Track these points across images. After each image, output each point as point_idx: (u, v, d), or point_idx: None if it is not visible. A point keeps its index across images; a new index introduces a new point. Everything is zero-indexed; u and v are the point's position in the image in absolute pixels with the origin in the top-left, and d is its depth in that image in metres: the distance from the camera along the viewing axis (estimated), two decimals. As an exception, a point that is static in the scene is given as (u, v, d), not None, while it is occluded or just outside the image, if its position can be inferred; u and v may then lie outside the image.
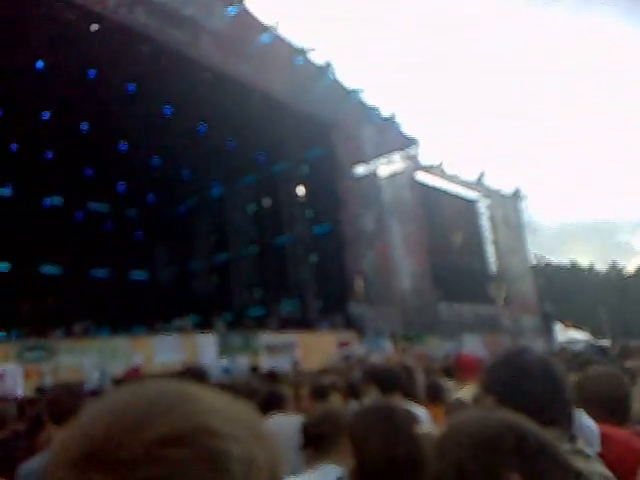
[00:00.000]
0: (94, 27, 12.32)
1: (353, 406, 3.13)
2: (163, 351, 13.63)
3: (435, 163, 24.47)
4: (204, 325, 17.31)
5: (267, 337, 15.92)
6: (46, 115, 15.28)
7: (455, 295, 21.70)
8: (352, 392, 3.68)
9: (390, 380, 2.83)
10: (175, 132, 17.67)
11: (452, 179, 25.52)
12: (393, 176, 22.15)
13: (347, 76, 21.51)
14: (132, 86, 15.23)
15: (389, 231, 21.22)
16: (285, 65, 17.11)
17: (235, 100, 16.39)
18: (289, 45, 17.30)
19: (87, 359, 12.32)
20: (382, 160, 21.71)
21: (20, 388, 10.40)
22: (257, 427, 0.46)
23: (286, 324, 17.73)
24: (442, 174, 24.94)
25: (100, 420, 0.42)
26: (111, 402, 0.45)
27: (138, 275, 22.54)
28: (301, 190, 21.11)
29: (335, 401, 3.40)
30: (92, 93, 14.69)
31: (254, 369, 10.09)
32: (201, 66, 15.06)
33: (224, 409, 0.45)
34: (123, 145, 18.11)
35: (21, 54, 12.62)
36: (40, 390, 8.11)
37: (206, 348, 14.13)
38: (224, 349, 14.56)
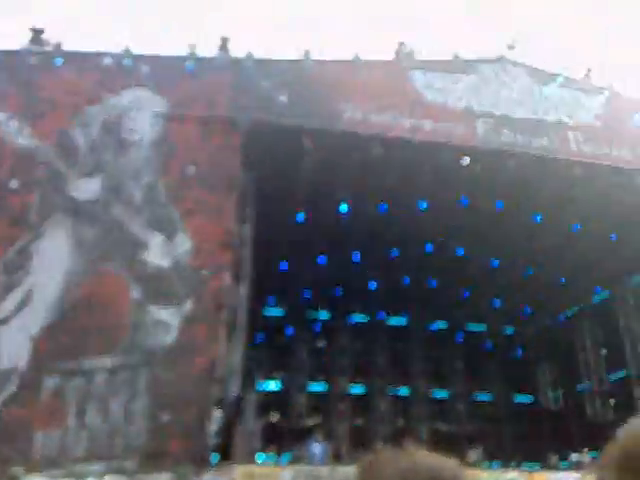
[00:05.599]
0: (465, 161, 13.24)
1: None
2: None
3: None
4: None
5: None
6: (429, 248, 16.91)
7: None
8: None
9: None
10: (545, 239, 16.82)
11: None
12: None
13: None
14: (500, 203, 15.44)
15: None
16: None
17: (614, 192, 14.65)
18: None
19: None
20: None
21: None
22: None
23: None
24: None
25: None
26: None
27: (521, 398, 20.95)
28: None
29: None
30: (464, 220, 15.61)
31: None
32: (569, 164, 14.23)
33: None
34: (494, 262, 18.19)
35: (407, 199, 14.68)
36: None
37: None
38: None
